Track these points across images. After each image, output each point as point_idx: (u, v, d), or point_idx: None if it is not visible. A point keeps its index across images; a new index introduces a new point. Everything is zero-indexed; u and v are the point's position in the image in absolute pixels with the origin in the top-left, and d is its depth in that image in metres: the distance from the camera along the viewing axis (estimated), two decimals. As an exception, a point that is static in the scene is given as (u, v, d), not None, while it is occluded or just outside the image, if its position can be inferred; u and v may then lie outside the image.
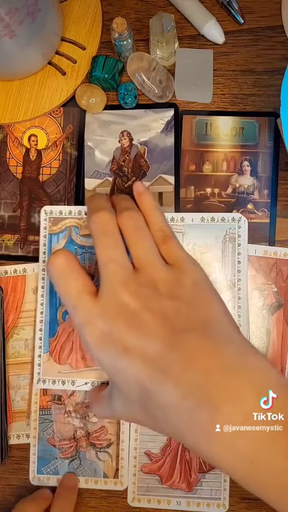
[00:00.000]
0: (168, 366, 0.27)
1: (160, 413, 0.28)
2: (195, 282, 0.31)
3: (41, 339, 0.41)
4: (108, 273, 0.30)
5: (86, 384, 0.40)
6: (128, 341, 0.28)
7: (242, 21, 0.43)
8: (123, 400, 0.30)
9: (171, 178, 0.42)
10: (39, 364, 0.40)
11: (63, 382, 0.40)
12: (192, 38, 0.43)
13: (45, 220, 0.41)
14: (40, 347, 0.41)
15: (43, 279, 0.41)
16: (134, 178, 0.43)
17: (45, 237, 0.41)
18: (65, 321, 0.41)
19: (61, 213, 0.41)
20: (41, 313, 0.41)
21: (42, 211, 0.42)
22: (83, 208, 0.41)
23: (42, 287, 0.41)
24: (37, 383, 0.40)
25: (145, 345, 0.28)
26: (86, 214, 0.41)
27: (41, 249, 0.41)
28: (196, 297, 0.31)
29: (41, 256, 0.41)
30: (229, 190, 0.42)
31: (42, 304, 0.41)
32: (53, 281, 0.33)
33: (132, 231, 0.32)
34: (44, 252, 0.41)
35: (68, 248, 0.41)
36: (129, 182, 0.43)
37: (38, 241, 0.43)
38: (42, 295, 0.41)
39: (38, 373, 0.40)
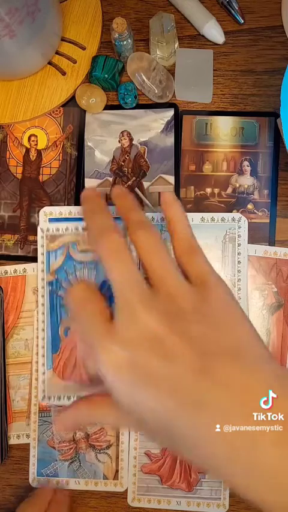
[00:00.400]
0: (201, 396, 0.25)
1: (184, 442, 0.25)
2: (221, 299, 0.29)
3: (43, 356, 0.41)
4: (124, 293, 0.27)
5: None
6: (152, 368, 0.25)
7: (242, 21, 0.43)
8: (144, 427, 0.28)
9: (171, 178, 0.42)
10: (43, 381, 0.40)
11: (69, 398, 0.40)
12: (192, 38, 0.43)
13: (42, 238, 0.41)
14: (43, 364, 0.40)
15: (43, 296, 0.41)
16: (134, 178, 0.43)
17: (43, 254, 0.41)
18: (66, 336, 0.41)
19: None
20: (43, 330, 0.41)
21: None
22: (80, 224, 0.41)
23: (43, 304, 0.41)
24: (42, 400, 0.40)
25: (171, 373, 0.25)
26: (83, 229, 0.41)
27: (39, 267, 0.41)
28: (223, 317, 0.28)
29: (39, 265, 0.41)
30: (229, 190, 0.42)
31: (43, 321, 0.41)
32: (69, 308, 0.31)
33: (147, 250, 0.29)
34: (43, 271, 0.41)
35: (66, 264, 0.41)
36: (129, 182, 0.43)
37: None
38: (42, 313, 0.41)
39: (43, 391, 0.40)
